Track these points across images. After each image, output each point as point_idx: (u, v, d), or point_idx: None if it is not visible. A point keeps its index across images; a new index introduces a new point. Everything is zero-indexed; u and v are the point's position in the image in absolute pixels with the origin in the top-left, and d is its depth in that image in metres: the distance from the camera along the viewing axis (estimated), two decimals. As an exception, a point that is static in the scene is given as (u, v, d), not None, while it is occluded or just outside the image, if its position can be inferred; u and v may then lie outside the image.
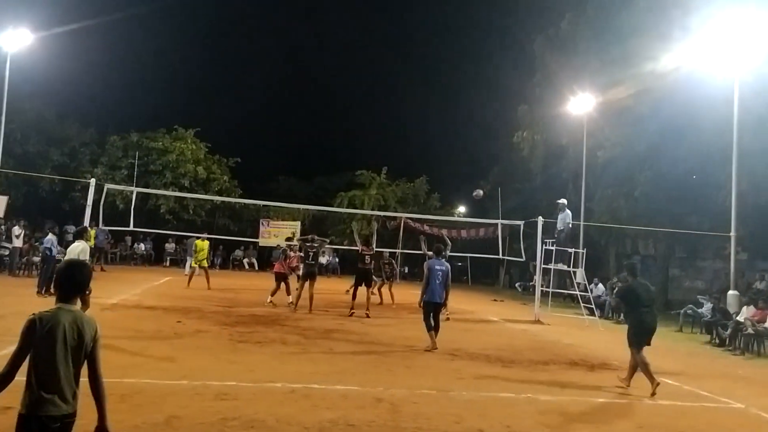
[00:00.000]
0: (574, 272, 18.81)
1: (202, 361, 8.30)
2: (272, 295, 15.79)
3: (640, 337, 8.39)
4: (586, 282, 18.51)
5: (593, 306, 17.73)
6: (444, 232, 33.74)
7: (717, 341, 14.71)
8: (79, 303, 3.31)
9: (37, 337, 3.06)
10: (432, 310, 10.59)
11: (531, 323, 16.37)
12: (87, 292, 9.07)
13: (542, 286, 17.92)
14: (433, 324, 10.55)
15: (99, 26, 31.88)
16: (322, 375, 7.92)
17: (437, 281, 10.49)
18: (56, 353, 3.07)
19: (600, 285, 21.35)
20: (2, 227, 20.31)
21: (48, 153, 29.21)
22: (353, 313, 14.53)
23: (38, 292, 14.31)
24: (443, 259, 10.94)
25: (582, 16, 26.60)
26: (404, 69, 61.89)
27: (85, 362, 3.23)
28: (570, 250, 17.60)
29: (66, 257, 9.90)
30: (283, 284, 15.94)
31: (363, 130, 57.61)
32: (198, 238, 20.82)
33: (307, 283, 14.69)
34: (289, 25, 68.71)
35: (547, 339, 13.42)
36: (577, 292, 18.25)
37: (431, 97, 57.37)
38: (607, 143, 24.72)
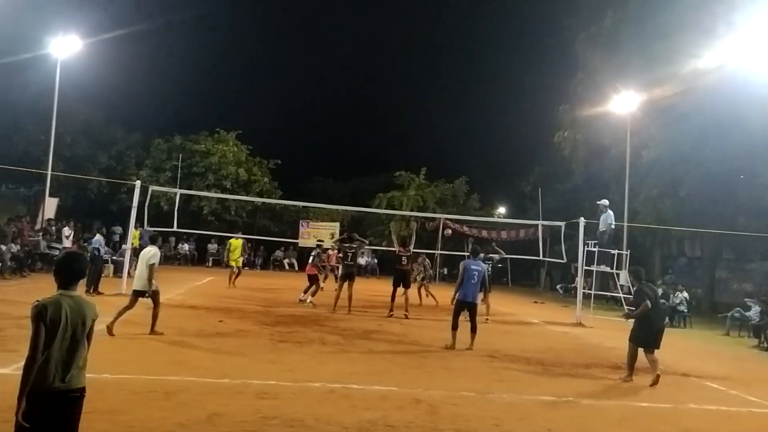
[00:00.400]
0: (618, 274, 18.44)
1: (242, 360, 8.42)
2: (304, 293, 16.06)
3: (647, 337, 8.75)
4: (630, 285, 18.11)
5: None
6: (484, 233, 33.68)
7: (765, 345, 14.28)
8: (78, 289, 3.64)
9: (47, 322, 3.37)
10: (466, 309, 10.59)
11: (572, 326, 16.12)
12: (149, 294, 9.49)
13: (584, 288, 17.61)
14: (470, 324, 10.55)
15: (144, 32, 32.72)
16: (361, 375, 7.94)
17: (472, 281, 10.43)
18: (59, 336, 3.40)
19: (644, 287, 20.86)
20: (53, 228, 20.96)
21: (96, 156, 30.04)
22: (392, 314, 14.54)
23: (87, 291, 14.69)
24: (480, 260, 10.94)
25: (625, 13, 26.08)
26: (443, 69, 61.82)
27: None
28: (613, 251, 17.25)
29: (139, 261, 10.28)
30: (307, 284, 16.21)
31: (401, 131, 57.67)
32: (233, 237, 21.28)
33: (345, 284, 14.80)
34: (328, 28, 69.21)
35: (589, 342, 13.19)
36: (621, 295, 17.88)
37: (470, 97, 57.14)
38: (651, 142, 24.19)
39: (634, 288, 9.91)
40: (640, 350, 8.82)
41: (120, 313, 9.61)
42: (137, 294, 10.01)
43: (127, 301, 10.00)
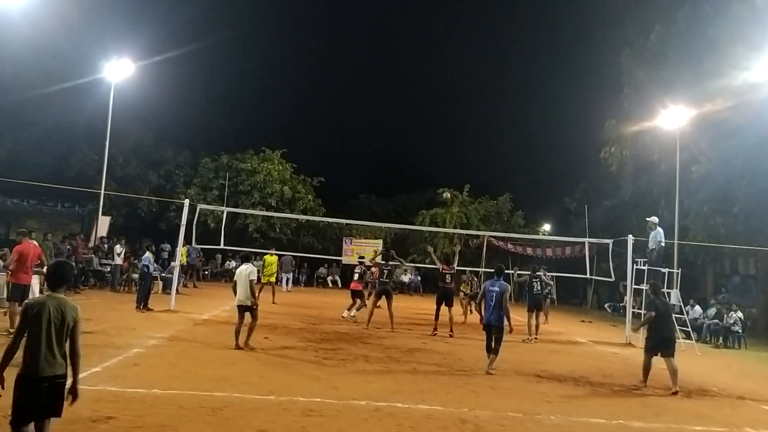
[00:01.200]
0: (669, 293, 17.93)
1: (288, 376, 8.48)
2: (348, 310, 16.29)
3: (656, 346, 9.94)
4: (682, 304, 17.58)
5: (690, 329, 16.81)
6: (529, 250, 33.27)
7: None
8: (63, 291, 4.46)
9: (29, 318, 4.19)
10: (486, 331, 10.22)
11: (622, 346, 15.73)
12: (254, 307, 10.59)
13: (634, 307, 17.18)
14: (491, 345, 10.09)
15: (191, 53, 33.65)
16: (406, 394, 7.91)
17: (491, 302, 10.05)
18: (42, 329, 4.18)
19: (697, 307, 20.26)
20: (105, 246, 21.60)
21: (146, 175, 30.88)
22: (436, 332, 14.45)
23: (137, 308, 15.04)
24: (500, 280, 10.22)
25: (672, 27, 25.62)
26: (487, 85, 61.66)
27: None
28: (663, 270, 16.80)
29: (236, 277, 11.00)
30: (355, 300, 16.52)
31: (444, 148, 57.78)
32: (268, 253, 21.23)
33: (381, 300, 14.99)
34: (373, 46, 69.99)
35: (639, 363, 12.79)
36: (672, 314, 17.38)
37: (514, 113, 56.72)
38: (702, 157, 23.56)
39: (649, 299, 11.40)
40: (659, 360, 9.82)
41: (237, 331, 10.53)
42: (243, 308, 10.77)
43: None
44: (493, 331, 10.05)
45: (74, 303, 4.41)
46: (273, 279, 20.54)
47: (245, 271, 10.88)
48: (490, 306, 10.08)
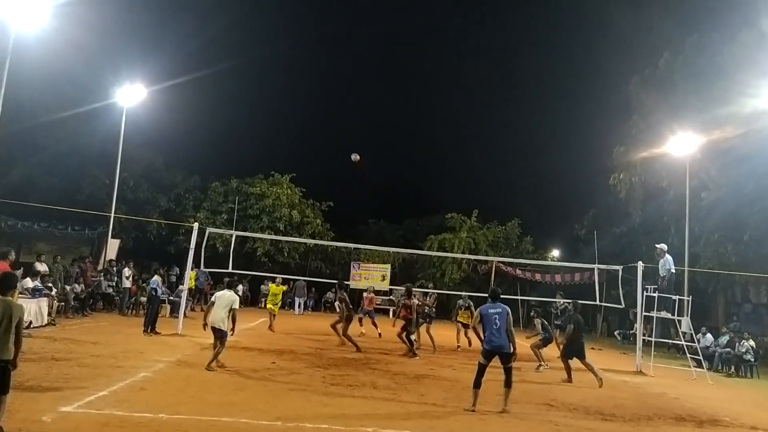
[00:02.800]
0: (680, 321, 17.76)
1: (295, 402, 8.42)
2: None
3: (572, 353, 12.72)
4: (693, 331, 17.40)
5: (701, 357, 16.59)
6: (538, 276, 33.11)
7: None
8: (16, 294, 5.95)
9: None
10: (495, 358, 9.11)
11: (632, 374, 15.54)
12: (228, 334, 10.63)
13: (644, 334, 16.99)
14: (504, 377, 9.08)
15: (202, 79, 34.04)
16: (414, 421, 7.83)
17: (494, 326, 9.02)
18: None
19: (708, 335, 20.01)
20: (114, 268, 21.66)
21: (156, 199, 31.08)
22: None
23: (144, 331, 15.02)
24: (498, 303, 9.35)
25: (680, 54, 25.80)
26: (495, 111, 61.96)
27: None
28: (674, 297, 16.65)
29: (215, 299, 10.96)
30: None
31: (453, 173, 57.89)
32: (274, 283, 20.09)
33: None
34: (381, 73, 70.64)
35: (650, 391, 12.67)
36: (683, 342, 17.18)
37: (524, 139, 56.90)
38: (711, 184, 23.52)
39: (569, 314, 13.66)
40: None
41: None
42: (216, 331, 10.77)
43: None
44: (503, 359, 9.07)
45: (19, 304, 6.05)
46: (276, 310, 19.17)
47: (227, 298, 10.80)
48: (493, 330, 9.03)
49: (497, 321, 9.08)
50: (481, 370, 9.05)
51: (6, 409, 6.09)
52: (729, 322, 24.20)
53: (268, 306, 19.41)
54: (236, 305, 10.81)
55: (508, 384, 9.00)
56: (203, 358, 11.92)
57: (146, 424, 6.61)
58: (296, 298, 30.44)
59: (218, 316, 10.65)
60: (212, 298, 11.23)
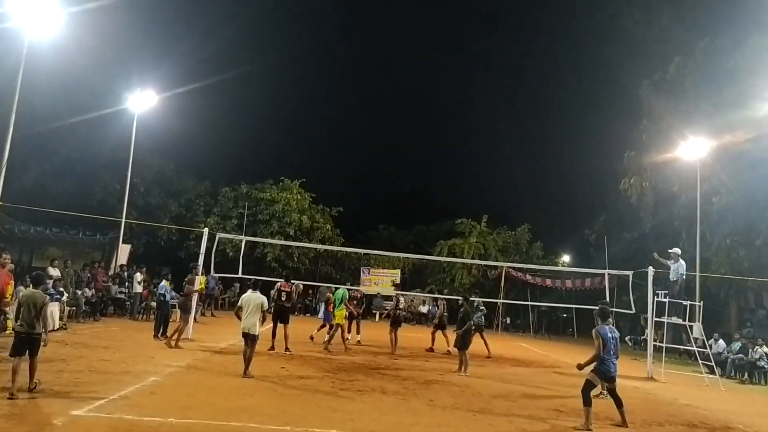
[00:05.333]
0: (691, 326, 17.62)
1: (304, 407, 8.42)
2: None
3: (468, 345, 13.49)
4: (704, 337, 17.26)
5: (713, 364, 16.46)
6: (548, 282, 32.96)
7: None
8: None
9: (20, 304, 8.05)
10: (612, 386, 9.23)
11: (643, 380, 15.43)
12: (257, 337, 10.84)
13: (655, 340, 16.87)
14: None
15: (213, 86, 34.32)
16: (422, 426, 7.82)
17: (612, 351, 9.03)
18: (24, 308, 7.91)
19: (721, 341, 19.85)
20: (125, 273, 21.77)
21: (167, 204, 31.22)
22: (273, 349, 14.33)
23: (155, 336, 15.07)
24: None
25: (691, 59, 25.68)
26: (505, 117, 61.89)
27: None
28: (685, 302, 16.51)
29: (243, 304, 10.89)
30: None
31: (463, 179, 57.79)
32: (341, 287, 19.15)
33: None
34: (391, 79, 70.76)
35: (661, 398, 12.59)
36: (695, 348, 17.05)
37: (534, 144, 56.80)
38: (723, 189, 23.37)
39: (465, 312, 13.74)
40: None
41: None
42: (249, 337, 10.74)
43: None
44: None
45: (43, 294, 8.22)
46: (342, 321, 16.81)
47: (256, 300, 10.76)
48: (611, 355, 8.98)
49: (615, 346, 9.06)
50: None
51: (18, 412, 6.15)
52: (742, 328, 23.99)
53: (336, 320, 16.71)
54: (266, 305, 10.86)
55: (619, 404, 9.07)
56: (213, 362, 11.99)
57: (156, 428, 6.64)
58: (320, 303, 30.81)
59: (251, 321, 10.63)
60: (239, 303, 11.09)
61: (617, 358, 9.05)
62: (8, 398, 7.20)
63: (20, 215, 22.20)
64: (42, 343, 7.89)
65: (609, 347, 8.88)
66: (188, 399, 8.28)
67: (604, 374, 8.96)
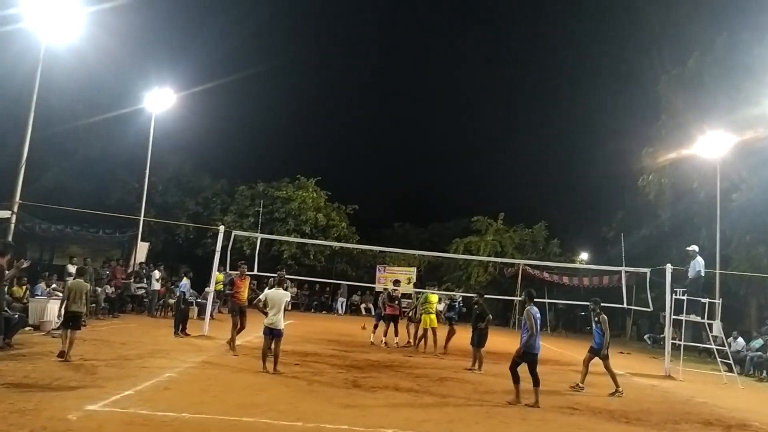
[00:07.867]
0: (710, 324, 17.40)
1: (317, 404, 8.45)
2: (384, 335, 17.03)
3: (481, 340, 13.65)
4: (723, 335, 17.04)
5: (732, 362, 16.24)
6: (565, 279, 32.74)
7: None
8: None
9: (69, 289, 11.05)
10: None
11: (661, 378, 15.29)
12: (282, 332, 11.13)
13: (674, 338, 16.68)
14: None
15: (230, 85, 34.62)
16: (434, 423, 7.81)
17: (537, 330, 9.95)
18: (73, 293, 10.92)
19: (740, 339, 19.58)
20: (143, 271, 22.01)
21: (184, 203, 31.52)
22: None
23: (175, 333, 15.21)
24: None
25: (709, 54, 25.36)
26: (522, 113, 61.55)
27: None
28: (704, 300, 16.30)
29: (268, 299, 10.89)
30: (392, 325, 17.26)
31: (479, 176, 57.58)
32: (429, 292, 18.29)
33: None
34: (406, 76, 70.65)
35: (678, 396, 12.46)
36: (714, 346, 16.84)
37: (551, 141, 56.42)
38: (743, 185, 23.08)
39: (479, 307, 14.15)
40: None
41: (264, 354, 10.87)
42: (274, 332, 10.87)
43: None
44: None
45: (85, 283, 11.08)
46: (435, 324, 16.38)
47: (283, 296, 10.92)
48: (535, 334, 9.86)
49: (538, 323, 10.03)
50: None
51: (33, 408, 6.24)
52: (762, 326, 23.65)
53: (423, 325, 16.43)
54: (288, 298, 11.18)
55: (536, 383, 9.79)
56: (228, 359, 12.09)
57: (169, 423, 6.70)
58: (339, 298, 31.27)
59: (277, 317, 10.74)
60: (261, 297, 11.14)
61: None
62: (58, 358, 10.08)
63: (41, 214, 22.52)
64: (82, 321, 11.11)
65: (537, 326, 9.91)
66: (202, 394, 8.36)
67: (530, 349, 9.86)
